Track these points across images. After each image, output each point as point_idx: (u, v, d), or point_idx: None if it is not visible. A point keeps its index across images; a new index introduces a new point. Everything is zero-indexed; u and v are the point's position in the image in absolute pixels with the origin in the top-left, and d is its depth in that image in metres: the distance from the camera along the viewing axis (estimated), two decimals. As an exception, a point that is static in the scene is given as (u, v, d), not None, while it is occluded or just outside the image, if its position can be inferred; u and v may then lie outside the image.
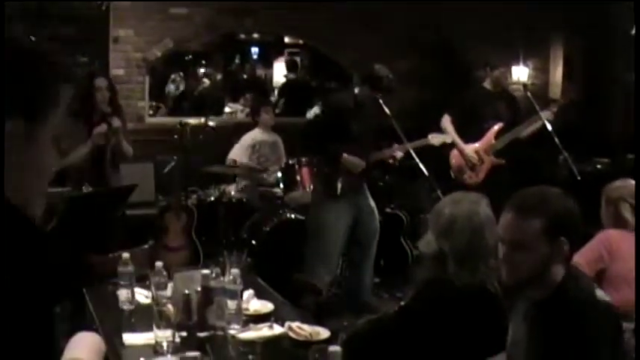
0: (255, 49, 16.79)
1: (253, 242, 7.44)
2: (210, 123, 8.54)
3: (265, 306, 4.13)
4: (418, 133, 6.63)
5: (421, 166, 6.15)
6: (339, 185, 6.52)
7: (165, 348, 3.39)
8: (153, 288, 4.01)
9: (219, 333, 3.66)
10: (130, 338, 3.65)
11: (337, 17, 9.91)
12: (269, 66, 16.63)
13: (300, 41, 13.79)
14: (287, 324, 3.79)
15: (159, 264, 4.06)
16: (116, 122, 6.61)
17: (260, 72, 16.75)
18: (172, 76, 14.09)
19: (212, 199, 8.12)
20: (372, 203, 6.89)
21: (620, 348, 2.80)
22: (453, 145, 7.34)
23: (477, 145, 7.31)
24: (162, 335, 3.40)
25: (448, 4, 9.89)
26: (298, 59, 15.32)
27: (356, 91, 6.68)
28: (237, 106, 12.87)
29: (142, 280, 4.23)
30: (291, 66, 14.75)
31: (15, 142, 1.55)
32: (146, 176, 8.32)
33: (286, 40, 15.21)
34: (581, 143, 7.97)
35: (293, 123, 9.80)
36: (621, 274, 4.14)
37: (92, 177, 6.55)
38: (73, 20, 8.70)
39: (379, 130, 6.67)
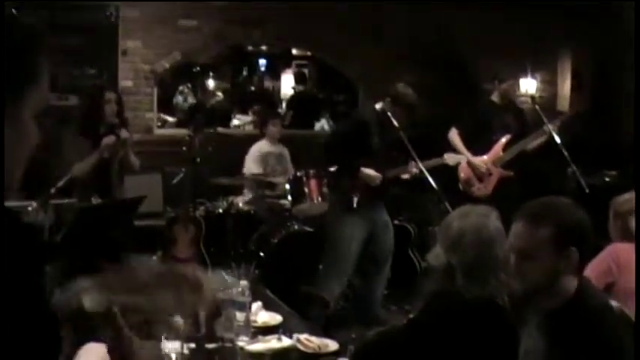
0: (263, 61, 16.81)
1: (261, 254, 7.45)
2: (219, 134, 8.56)
3: (274, 318, 4.13)
4: (426, 145, 6.63)
5: (430, 178, 6.15)
6: (355, 199, 6.53)
7: (173, 360, 3.39)
8: (161, 299, 4.01)
9: (228, 345, 3.65)
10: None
11: (345, 29, 9.92)
12: (277, 78, 16.64)
13: (308, 53, 13.80)
14: (295, 336, 3.79)
15: (167, 275, 4.06)
16: (124, 134, 6.64)
17: (268, 84, 16.77)
18: (180, 88, 14.12)
19: (220, 210, 8.12)
20: (388, 218, 6.90)
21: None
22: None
23: (485, 157, 7.31)
24: (171, 347, 3.40)
25: (456, 16, 9.90)
26: (306, 71, 15.34)
27: (377, 107, 6.69)
28: (245, 118, 12.89)
29: (150, 292, 4.22)
30: (299, 78, 14.78)
31: None
32: (154, 188, 8.32)
33: (294, 52, 15.22)
34: (590, 155, 7.96)
35: (301, 135, 9.83)
36: (630, 287, 4.12)
37: (99, 188, 6.57)
38: (82, 32, 8.73)
39: (396, 146, 6.69)
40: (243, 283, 3.78)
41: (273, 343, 3.75)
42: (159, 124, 10.40)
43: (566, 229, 2.77)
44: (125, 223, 6.66)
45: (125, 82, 9.05)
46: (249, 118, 12.86)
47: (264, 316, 4.12)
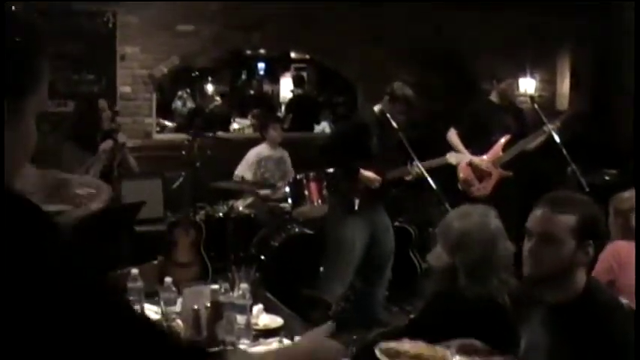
0: (261, 65, 16.84)
1: (262, 257, 7.44)
2: (218, 138, 8.57)
3: (275, 320, 4.12)
4: (425, 146, 6.63)
5: (429, 179, 6.15)
6: (357, 201, 6.53)
7: (174, 364, 3.38)
8: (162, 304, 4.01)
9: (229, 348, 3.65)
10: (139, 354, 3.63)
11: (343, 31, 9.91)
12: (276, 81, 16.67)
13: (307, 56, 13.81)
14: (297, 339, 3.79)
15: (168, 280, 4.06)
16: (122, 138, 6.67)
17: (267, 88, 16.80)
18: (179, 93, 14.14)
19: (220, 214, 8.12)
20: (388, 221, 6.91)
21: None
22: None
23: (484, 157, 7.31)
24: (172, 351, 3.39)
25: (454, 15, 9.90)
26: (305, 74, 15.36)
27: (376, 108, 6.69)
28: (245, 122, 12.89)
29: (151, 296, 4.22)
30: (297, 81, 14.81)
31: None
32: (154, 192, 8.31)
33: (293, 55, 15.24)
34: (590, 155, 7.95)
35: (301, 138, 9.82)
36: (630, 285, 4.11)
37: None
38: (80, 37, 8.73)
39: (396, 148, 6.68)
40: (244, 286, 3.78)
41: (274, 345, 3.75)
42: (158, 129, 10.40)
43: (586, 221, 2.80)
44: (125, 228, 6.67)
45: (123, 88, 9.05)
46: (248, 121, 12.86)
47: (265, 319, 4.12)
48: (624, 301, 2.89)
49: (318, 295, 6.47)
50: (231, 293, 3.82)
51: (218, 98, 14.16)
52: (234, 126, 12.71)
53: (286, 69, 16.25)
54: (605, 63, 10.36)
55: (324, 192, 7.26)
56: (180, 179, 8.01)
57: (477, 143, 7.35)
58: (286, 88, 16.09)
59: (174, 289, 4.05)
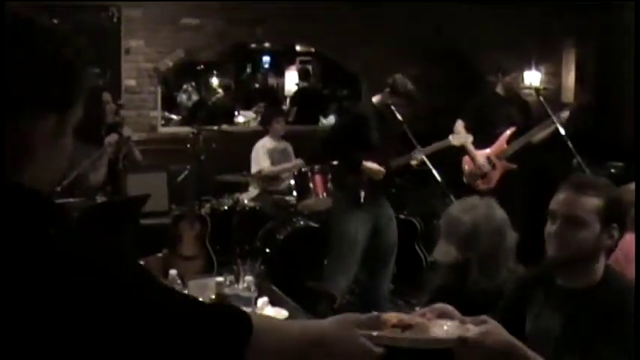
0: (266, 58, 16.83)
1: (267, 250, 7.45)
2: (223, 131, 8.58)
3: (280, 313, 4.12)
4: (430, 140, 6.63)
5: (434, 172, 6.14)
6: (362, 194, 6.52)
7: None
8: (167, 296, 4.01)
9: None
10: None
11: (347, 25, 9.92)
12: (281, 75, 16.67)
13: (312, 49, 13.81)
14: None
15: (173, 272, 4.07)
16: (126, 132, 6.69)
17: (272, 81, 16.80)
18: (184, 86, 14.15)
19: (225, 207, 8.13)
20: (391, 213, 6.89)
21: None
22: (465, 150, 7.33)
23: (488, 150, 7.30)
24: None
25: (459, 9, 9.89)
26: (310, 67, 15.35)
27: (374, 99, 6.68)
28: (250, 115, 12.90)
29: (157, 289, 4.22)
30: (302, 74, 14.80)
31: (46, 138, 1.51)
32: (159, 186, 8.32)
33: (297, 48, 15.23)
34: (595, 147, 7.93)
35: (305, 131, 9.82)
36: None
37: (104, 187, 6.60)
38: (84, 32, 8.70)
39: (399, 138, 6.68)
40: (249, 278, 3.79)
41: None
42: (163, 122, 10.41)
43: (612, 204, 2.78)
44: (130, 221, 6.69)
45: (129, 81, 9.06)
46: (253, 115, 12.87)
47: (270, 312, 4.12)
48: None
49: (323, 287, 6.49)
50: (236, 286, 3.83)
51: (220, 91, 14.16)
52: (239, 119, 12.72)
53: (291, 62, 16.24)
54: (611, 55, 10.34)
55: (329, 185, 7.27)
56: (186, 172, 8.02)
57: (482, 136, 7.33)
58: (291, 81, 16.08)
59: (179, 281, 4.06)
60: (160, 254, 7.03)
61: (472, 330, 2.17)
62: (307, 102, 13.05)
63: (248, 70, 16.84)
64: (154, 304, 1.51)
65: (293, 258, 7.27)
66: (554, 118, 6.84)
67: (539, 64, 10.38)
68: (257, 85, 16.45)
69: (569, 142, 6.62)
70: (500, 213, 3.44)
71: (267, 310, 4.12)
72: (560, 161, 7.46)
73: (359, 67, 10.41)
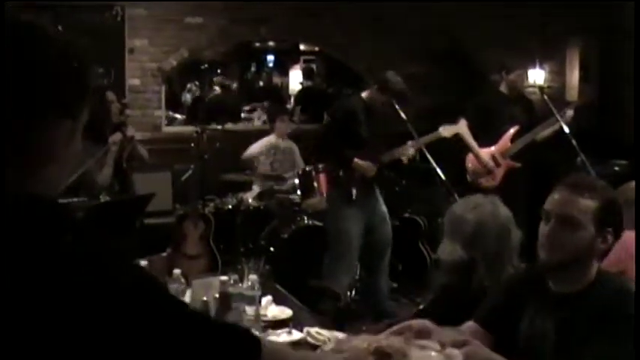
0: (270, 57, 16.83)
1: (271, 249, 7.46)
2: (227, 131, 8.60)
3: (284, 312, 4.12)
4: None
5: (438, 170, 6.14)
6: (354, 191, 6.52)
7: (184, 355, 3.38)
8: (171, 295, 4.01)
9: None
10: (149, 346, 3.65)
11: (351, 23, 9.92)
12: (285, 74, 16.67)
13: (316, 48, 13.80)
14: (306, 329, 3.79)
15: (177, 271, 4.07)
16: (130, 131, 6.71)
17: (276, 80, 16.80)
18: (188, 86, 14.16)
19: (229, 206, 8.14)
20: (385, 209, 6.87)
21: None
22: (469, 149, 7.33)
23: (492, 148, 7.30)
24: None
25: (463, 8, 9.88)
26: (314, 66, 15.34)
27: (364, 95, 6.68)
28: (254, 114, 12.90)
29: (161, 288, 4.22)
30: (306, 73, 14.78)
31: (64, 143, 1.56)
32: (163, 185, 8.35)
33: (302, 47, 15.23)
34: (599, 145, 7.92)
35: (310, 130, 9.82)
36: (640, 275, 4.10)
37: (108, 186, 6.62)
38: (88, 31, 8.74)
39: (391, 134, 6.67)
40: (253, 277, 3.79)
41: (283, 336, 3.75)
42: (167, 121, 10.41)
43: (608, 207, 2.74)
44: (135, 220, 6.70)
45: (132, 81, 9.07)
46: (257, 113, 12.86)
47: (274, 310, 4.12)
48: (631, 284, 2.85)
49: (327, 286, 6.48)
50: (240, 285, 3.83)
51: (217, 88, 14.19)
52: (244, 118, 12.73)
53: (295, 61, 16.23)
54: (615, 54, 10.32)
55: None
56: (190, 171, 8.02)
57: (486, 134, 7.33)
58: (295, 80, 16.08)
59: (183, 280, 4.06)
60: (164, 253, 7.02)
61: (455, 355, 2.15)
62: (311, 101, 13.03)
63: (252, 69, 16.85)
64: (165, 319, 1.52)
65: (297, 257, 7.27)
66: (558, 117, 6.84)
67: (543, 63, 10.36)
68: (261, 84, 16.45)
69: (573, 141, 6.62)
70: (505, 211, 3.43)
71: (271, 308, 4.12)
72: (564, 159, 7.45)
73: (363, 65, 10.40)
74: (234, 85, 14.97)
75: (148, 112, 9.26)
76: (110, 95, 6.82)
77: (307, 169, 7.55)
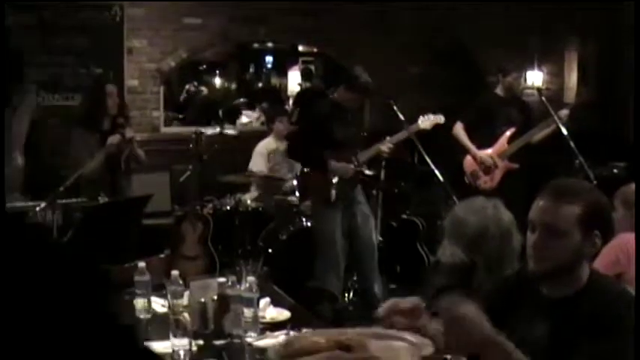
0: (269, 58, 16.79)
1: (269, 250, 7.45)
2: (225, 132, 8.58)
3: (282, 313, 4.12)
4: (431, 138, 6.63)
5: (436, 172, 6.13)
6: (334, 193, 6.49)
7: (182, 356, 3.39)
8: (169, 297, 4.02)
9: (236, 341, 3.66)
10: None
11: (350, 24, 9.92)
12: (284, 75, 16.64)
13: (315, 50, 13.79)
14: (304, 331, 3.79)
15: (175, 273, 4.07)
16: (129, 133, 6.71)
17: (275, 81, 16.77)
18: (187, 86, 14.16)
19: (228, 208, 8.13)
20: (367, 209, 6.84)
21: None
22: (466, 151, 7.34)
23: (489, 150, 7.30)
24: (179, 344, 3.40)
25: (462, 8, 9.88)
26: (312, 67, 15.33)
27: (334, 95, 6.66)
28: (253, 115, 12.90)
29: (159, 289, 4.23)
30: (305, 74, 14.77)
31: None
32: (162, 186, 8.34)
33: (300, 48, 15.20)
34: (597, 147, 7.93)
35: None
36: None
37: (106, 187, 6.61)
38: (87, 31, 8.75)
39: (361, 132, 6.69)
40: (251, 279, 3.77)
41: (281, 338, 3.75)
42: (165, 122, 10.40)
43: (592, 211, 2.71)
44: (133, 221, 6.69)
45: (131, 81, 9.07)
46: (256, 114, 12.86)
47: (272, 312, 4.12)
48: (629, 289, 2.84)
49: (325, 288, 6.48)
50: (238, 286, 3.82)
51: (203, 88, 14.24)
52: (243, 119, 12.72)
53: (294, 62, 16.21)
54: (614, 55, 10.33)
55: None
56: (188, 172, 8.00)
57: (483, 136, 7.35)
58: (294, 81, 16.06)
59: (181, 282, 4.06)
60: (162, 254, 7.03)
61: (426, 344, 2.14)
62: (309, 102, 13.02)
63: (251, 69, 16.82)
64: None
65: (295, 258, 7.26)
66: (556, 118, 6.84)
67: (542, 64, 10.38)
68: (260, 85, 16.44)
69: (571, 142, 6.62)
70: (507, 214, 3.42)
71: (269, 310, 4.11)
72: (563, 161, 7.46)
73: (362, 67, 10.40)
74: (233, 86, 14.99)
75: (146, 112, 9.25)
76: (109, 87, 6.82)
77: (306, 170, 7.54)
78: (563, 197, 2.72)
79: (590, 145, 7.15)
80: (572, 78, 10.78)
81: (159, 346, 3.62)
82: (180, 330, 3.42)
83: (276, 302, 4.24)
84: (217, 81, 15.32)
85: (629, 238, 4.33)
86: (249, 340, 3.66)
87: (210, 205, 8.17)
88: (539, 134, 7.21)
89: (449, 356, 2.74)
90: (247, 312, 3.72)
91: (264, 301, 4.12)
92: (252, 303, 3.75)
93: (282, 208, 8.02)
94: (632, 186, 4.56)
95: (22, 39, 8.30)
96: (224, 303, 3.73)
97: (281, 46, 15.21)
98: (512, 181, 7.16)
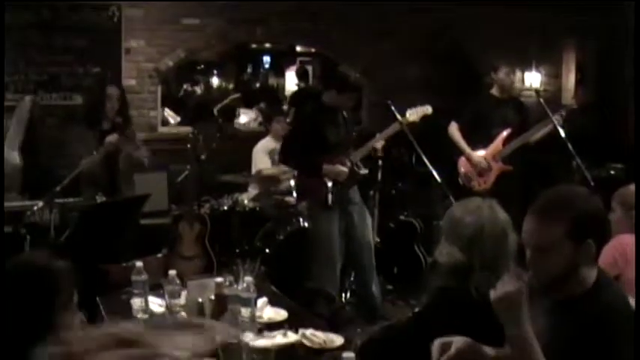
0: (267, 58, 16.80)
1: (267, 250, 7.44)
2: (223, 131, 8.60)
3: (279, 313, 4.13)
4: (429, 139, 6.63)
5: (434, 172, 6.12)
6: (330, 196, 6.48)
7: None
8: (166, 296, 4.02)
9: (234, 341, 3.66)
10: (144, 347, 3.66)
11: (348, 25, 9.92)
12: (281, 75, 16.65)
13: (312, 50, 13.80)
14: (301, 331, 3.79)
15: (172, 272, 4.07)
16: (132, 135, 6.75)
17: (272, 81, 16.78)
18: (184, 86, 14.17)
19: (225, 207, 8.12)
20: (364, 209, 6.83)
21: None
22: (461, 152, 7.35)
23: (484, 151, 7.30)
24: (177, 343, 3.39)
25: (460, 10, 9.89)
26: (309, 68, 15.34)
27: (325, 97, 6.64)
28: (251, 115, 12.90)
29: (156, 289, 4.23)
30: (302, 75, 14.77)
31: None
32: (159, 185, 8.34)
33: (298, 48, 15.21)
34: (595, 149, 7.94)
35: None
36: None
37: (105, 187, 6.62)
38: (85, 31, 8.75)
39: (352, 132, 6.69)
40: (249, 279, 3.78)
41: (278, 338, 3.75)
42: (163, 122, 10.40)
43: (580, 223, 2.70)
44: (130, 221, 6.70)
45: (129, 81, 9.04)
46: (254, 115, 12.86)
47: (270, 312, 4.13)
48: (630, 299, 2.84)
49: (322, 288, 6.48)
50: (235, 286, 3.83)
51: (197, 88, 14.26)
52: (241, 119, 12.72)
53: (292, 62, 16.21)
54: (612, 57, 10.34)
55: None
56: (186, 172, 8.01)
57: (478, 137, 7.35)
58: (292, 81, 16.07)
59: (178, 281, 4.06)
60: (159, 254, 7.04)
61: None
62: (305, 102, 13.01)
63: (249, 70, 16.82)
64: None
65: (292, 258, 7.25)
66: (553, 119, 6.83)
67: (540, 66, 10.39)
68: (257, 85, 16.44)
69: (568, 144, 6.62)
70: (503, 215, 3.41)
71: (266, 310, 4.12)
72: (560, 162, 7.47)
73: (360, 67, 10.42)
74: (231, 86, 14.99)
75: (143, 112, 9.24)
76: (110, 89, 6.84)
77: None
78: (549, 216, 2.73)
79: (588, 146, 7.16)
80: (569, 79, 10.79)
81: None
82: (177, 330, 3.41)
83: (273, 302, 4.25)
84: (215, 81, 15.31)
85: (627, 239, 4.33)
86: (246, 340, 3.65)
87: (208, 205, 8.17)
88: (535, 135, 7.20)
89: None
90: (245, 312, 3.73)
91: (262, 301, 4.13)
92: (250, 303, 3.76)
93: (280, 208, 8.02)
94: (631, 187, 4.55)
95: (20, 38, 8.31)
96: (221, 303, 3.74)
97: (279, 47, 15.23)
98: (508, 183, 7.15)
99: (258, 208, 8.10)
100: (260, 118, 12.00)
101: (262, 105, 13.19)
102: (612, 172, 8.66)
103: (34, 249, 5.50)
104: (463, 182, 7.38)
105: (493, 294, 2.70)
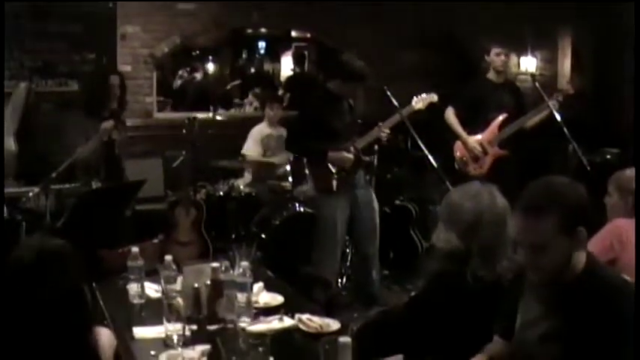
0: (262, 44, 16.78)
1: (263, 236, 7.44)
2: (218, 117, 8.57)
3: (275, 299, 4.13)
4: (425, 125, 6.61)
5: (430, 157, 6.11)
6: (335, 182, 6.48)
7: (175, 341, 3.39)
8: (162, 282, 4.02)
9: (230, 326, 3.66)
10: (140, 332, 3.66)
11: (344, 10, 9.90)
12: (277, 60, 16.64)
13: (308, 35, 13.78)
14: (297, 316, 3.79)
15: (168, 258, 4.07)
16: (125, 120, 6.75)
17: (268, 66, 16.77)
18: (180, 72, 14.15)
19: (221, 193, 8.12)
20: (370, 194, 6.82)
21: None
22: (456, 136, 7.33)
23: (479, 136, 7.29)
24: (173, 329, 3.40)
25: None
26: (305, 53, 15.32)
27: (330, 85, 6.62)
28: (246, 100, 12.90)
29: (152, 275, 4.23)
30: (297, 59, 14.76)
31: None
32: (155, 171, 8.35)
33: (294, 34, 15.19)
34: (591, 134, 7.93)
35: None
36: (632, 263, 4.10)
37: (100, 173, 6.62)
38: (81, 18, 8.72)
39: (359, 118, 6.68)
40: (245, 264, 3.77)
41: (274, 323, 3.76)
42: (158, 107, 10.38)
43: (569, 213, 2.72)
44: (126, 207, 6.70)
45: (124, 67, 9.02)
46: (249, 100, 12.86)
47: (266, 297, 4.13)
48: (626, 277, 2.84)
49: (321, 273, 6.48)
50: (231, 271, 3.82)
51: (197, 75, 14.24)
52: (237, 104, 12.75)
53: (287, 48, 16.20)
54: (608, 42, 10.32)
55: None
56: (181, 158, 8.00)
57: (474, 122, 7.32)
58: (287, 66, 16.06)
59: (174, 267, 4.06)
60: (155, 240, 7.04)
61: None
62: (300, 88, 13.01)
63: (244, 55, 16.80)
64: None
65: (288, 244, 7.26)
66: (550, 104, 6.83)
67: (535, 51, 10.37)
68: (253, 71, 16.43)
69: (564, 129, 6.61)
70: (502, 201, 3.39)
71: (262, 295, 4.12)
72: (556, 147, 7.46)
73: (357, 53, 10.39)
74: (227, 72, 14.98)
75: (139, 98, 9.23)
76: (112, 79, 6.84)
77: (299, 157, 7.54)
78: (537, 211, 2.73)
79: (584, 131, 7.15)
80: (565, 64, 10.77)
81: (152, 331, 3.62)
82: (173, 315, 3.42)
83: (269, 287, 4.25)
84: (210, 67, 15.29)
85: (623, 223, 4.33)
86: (242, 325, 3.66)
87: (204, 191, 8.17)
88: (532, 120, 7.19)
89: None
90: (241, 297, 3.73)
91: (258, 286, 4.13)
92: (246, 288, 3.76)
93: (276, 193, 8.03)
94: (627, 171, 4.54)
95: (15, 25, 8.28)
96: (217, 288, 3.73)
97: (274, 32, 15.20)
98: (504, 167, 7.13)
99: (254, 194, 8.10)
100: (255, 104, 11.99)
101: (257, 90, 13.19)
102: (608, 157, 8.65)
103: (30, 235, 5.50)
104: (459, 167, 7.36)
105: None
